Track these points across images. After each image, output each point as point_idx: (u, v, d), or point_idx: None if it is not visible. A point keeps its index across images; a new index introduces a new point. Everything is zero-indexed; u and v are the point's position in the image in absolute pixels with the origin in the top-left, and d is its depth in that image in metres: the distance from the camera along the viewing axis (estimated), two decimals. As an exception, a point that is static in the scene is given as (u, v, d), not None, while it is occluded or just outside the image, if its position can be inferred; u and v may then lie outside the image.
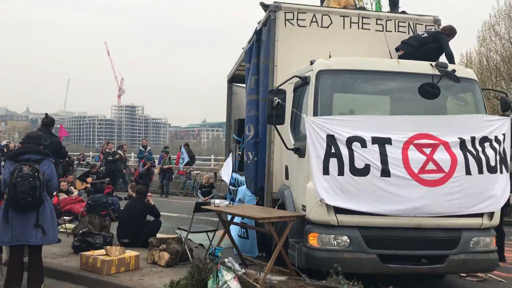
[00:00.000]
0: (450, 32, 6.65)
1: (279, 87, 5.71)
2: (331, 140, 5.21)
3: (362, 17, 7.14)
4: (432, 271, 5.60)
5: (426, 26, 7.23)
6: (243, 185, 8.60)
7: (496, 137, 5.52)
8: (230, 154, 12.31)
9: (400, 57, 6.54)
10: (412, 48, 6.42)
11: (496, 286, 6.42)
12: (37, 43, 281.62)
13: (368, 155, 5.15)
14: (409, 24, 7.24)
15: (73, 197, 12.67)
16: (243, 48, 10.61)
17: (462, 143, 5.37)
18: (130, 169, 20.95)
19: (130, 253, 6.41)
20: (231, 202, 8.80)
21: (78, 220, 9.50)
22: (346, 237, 5.25)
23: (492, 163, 5.38)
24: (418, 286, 6.13)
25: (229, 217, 6.76)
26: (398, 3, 7.79)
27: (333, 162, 5.16)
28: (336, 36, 7.01)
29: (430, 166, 5.21)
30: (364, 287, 4.95)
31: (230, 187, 10.31)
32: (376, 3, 9.72)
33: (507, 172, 5.58)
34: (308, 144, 5.31)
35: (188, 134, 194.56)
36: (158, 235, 7.56)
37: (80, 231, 7.10)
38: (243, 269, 5.43)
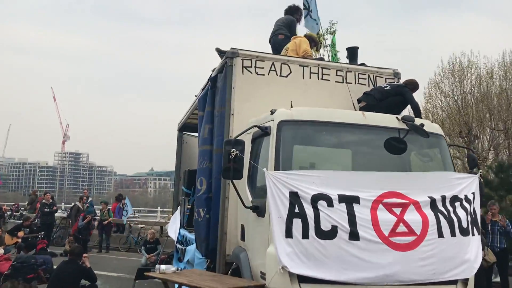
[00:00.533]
0: (413, 86, 6.48)
1: (237, 138, 5.17)
2: (294, 198, 4.67)
3: (322, 68, 6.86)
4: None
5: (386, 78, 7.06)
6: (193, 244, 7.82)
7: (466, 196, 5.20)
8: (178, 207, 11.52)
9: (361, 109, 6.25)
10: (375, 100, 6.14)
11: None
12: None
13: (335, 216, 4.63)
14: (369, 76, 7.04)
15: (-1, 255, 11.27)
16: (195, 96, 10.13)
17: (433, 203, 4.99)
18: (68, 221, 19.44)
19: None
20: (179, 267, 7.95)
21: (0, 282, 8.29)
22: (311, 310, 4.61)
23: (464, 225, 5.02)
24: None
25: (176, 285, 5.95)
26: (356, 56, 7.63)
27: (297, 223, 4.59)
28: (295, 86, 6.66)
29: (401, 228, 4.75)
30: None
31: (178, 245, 9.47)
32: (332, 55, 9.58)
33: (479, 234, 5.24)
34: (268, 202, 4.73)
35: (134, 183, 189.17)
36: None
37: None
38: None
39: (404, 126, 5.31)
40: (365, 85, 6.96)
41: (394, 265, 4.65)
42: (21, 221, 16.07)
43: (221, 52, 6.98)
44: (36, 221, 17.20)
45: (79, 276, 6.71)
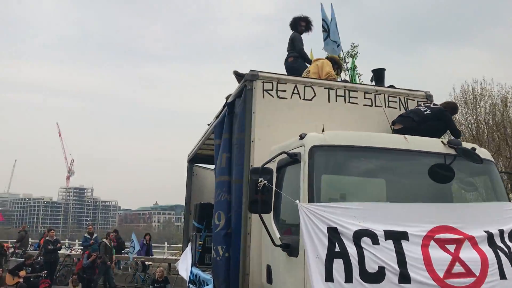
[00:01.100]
0: (453, 110, 5.94)
1: (265, 166, 4.57)
2: (333, 234, 4.04)
3: (349, 90, 6.33)
4: None
5: (418, 101, 6.51)
6: (208, 285, 7.13)
7: None
8: (189, 244, 10.81)
9: (396, 132, 5.69)
10: (415, 123, 5.57)
11: None
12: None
13: (382, 255, 3.99)
14: (400, 99, 6.50)
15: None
16: (208, 124, 9.61)
17: (490, 238, 4.34)
18: (73, 258, 18.67)
19: None
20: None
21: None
22: None
23: (527, 264, 4.34)
24: None
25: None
26: (383, 78, 7.11)
27: (338, 264, 3.94)
28: (321, 110, 6.11)
29: (457, 268, 4.09)
30: None
31: (190, 285, 8.73)
32: (353, 80, 9.08)
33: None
34: (303, 239, 4.10)
35: (139, 217, 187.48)
36: None
37: None
38: None
39: (451, 151, 4.72)
40: (396, 108, 6.41)
41: (452, 312, 3.97)
42: (23, 260, 15.34)
43: (239, 75, 6.48)
44: (39, 259, 16.48)
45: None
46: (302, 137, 4.70)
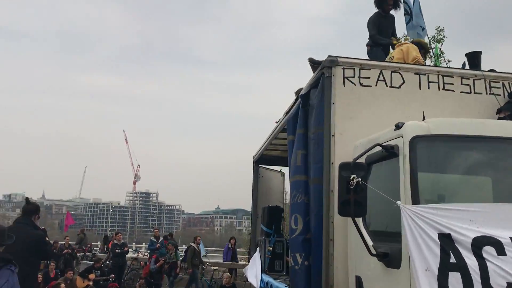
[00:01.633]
0: None
1: (357, 161, 3.89)
2: (447, 242, 3.29)
3: (443, 76, 5.51)
4: None
5: (526, 87, 5.57)
6: (282, 294, 6.54)
7: None
8: (257, 249, 10.28)
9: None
10: None
11: None
12: (52, 131, 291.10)
13: (511, 268, 3.20)
14: (503, 84, 5.59)
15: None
16: (276, 122, 9.03)
17: None
18: (140, 262, 18.78)
19: None
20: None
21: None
22: None
23: None
24: None
25: None
26: (480, 62, 6.21)
27: (455, 279, 3.20)
28: (411, 98, 5.34)
29: None
30: None
31: (262, 294, 8.17)
32: (435, 60, 8.11)
33: None
34: (409, 248, 3.38)
35: (202, 221, 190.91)
36: None
37: None
38: None
39: None
40: (500, 95, 5.51)
41: None
42: (92, 263, 15.53)
43: (315, 63, 5.85)
44: (108, 262, 16.65)
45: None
46: (399, 126, 3.97)
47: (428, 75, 5.46)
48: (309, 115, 5.80)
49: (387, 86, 5.38)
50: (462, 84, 5.51)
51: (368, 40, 7.65)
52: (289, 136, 6.33)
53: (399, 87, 5.40)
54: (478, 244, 3.28)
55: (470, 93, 5.48)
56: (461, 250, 3.27)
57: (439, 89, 5.44)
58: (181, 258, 17.20)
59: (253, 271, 9.76)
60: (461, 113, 5.24)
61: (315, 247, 5.16)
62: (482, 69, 6.09)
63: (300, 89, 7.58)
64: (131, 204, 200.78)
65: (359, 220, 4.12)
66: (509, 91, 5.53)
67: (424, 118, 4.09)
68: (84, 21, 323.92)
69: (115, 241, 16.83)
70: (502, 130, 3.92)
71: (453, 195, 4.17)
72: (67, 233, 19.79)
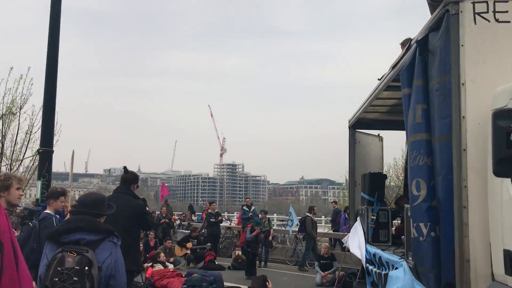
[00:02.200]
0: None
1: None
2: None
3: None
4: None
5: None
6: (398, 268, 5.87)
7: None
8: (358, 218, 9.64)
9: None
10: None
11: None
12: (148, 107, 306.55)
13: None
14: None
15: (170, 270, 10.72)
16: (379, 79, 8.20)
17: None
18: (233, 231, 18.95)
19: None
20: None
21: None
22: None
23: None
24: None
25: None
26: None
27: None
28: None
29: None
30: None
31: (369, 266, 7.55)
32: None
33: None
34: None
35: (287, 191, 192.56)
36: None
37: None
38: None
39: None
40: None
41: None
42: (189, 232, 15.83)
43: (435, 0, 4.95)
44: (203, 231, 16.92)
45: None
46: None
47: None
48: (429, 63, 4.97)
49: (531, 20, 4.40)
50: None
51: None
52: (404, 90, 5.53)
53: (547, 20, 4.38)
54: None
55: None
56: None
57: None
58: (273, 227, 17.03)
59: (355, 241, 9.17)
60: None
61: (445, 216, 4.42)
62: None
63: (408, 39, 6.67)
64: (219, 176, 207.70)
65: (496, 181, 3.32)
66: None
67: None
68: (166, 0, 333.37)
69: (209, 211, 17.02)
70: None
71: None
72: (163, 203, 20.41)
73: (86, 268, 2.95)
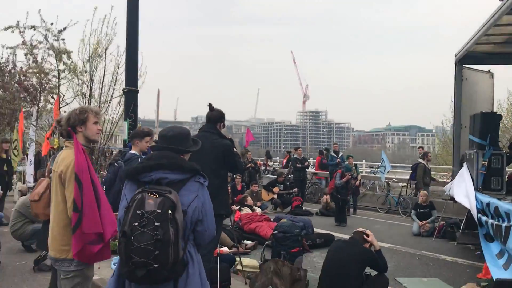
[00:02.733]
0: None
1: None
2: None
3: None
4: None
5: None
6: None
7: None
8: (464, 164, 8.61)
9: None
10: None
11: None
12: (226, 54, 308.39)
13: None
14: None
15: (258, 214, 10.46)
16: (501, 0, 6.87)
17: None
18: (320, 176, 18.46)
19: None
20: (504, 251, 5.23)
21: (264, 244, 7.03)
22: None
23: None
24: None
25: None
26: None
27: None
28: None
29: None
30: None
31: (482, 217, 6.65)
32: None
33: None
34: None
35: (372, 138, 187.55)
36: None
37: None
38: None
39: None
40: None
41: None
42: (275, 177, 15.55)
43: None
44: (289, 176, 16.59)
45: (363, 263, 4.62)
46: None
47: None
48: None
49: None
50: None
51: None
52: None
53: None
54: None
55: None
56: None
57: None
58: (360, 173, 16.25)
59: (462, 189, 8.20)
60: None
61: None
62: None
63: None
64: (301, 123, 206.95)
65: None
66: None
67: None
68: None
69: (295, 156, 16.59)
70: None
71: None
72: (248, 148, 20.36)
73: (169, 211, 2.50)
